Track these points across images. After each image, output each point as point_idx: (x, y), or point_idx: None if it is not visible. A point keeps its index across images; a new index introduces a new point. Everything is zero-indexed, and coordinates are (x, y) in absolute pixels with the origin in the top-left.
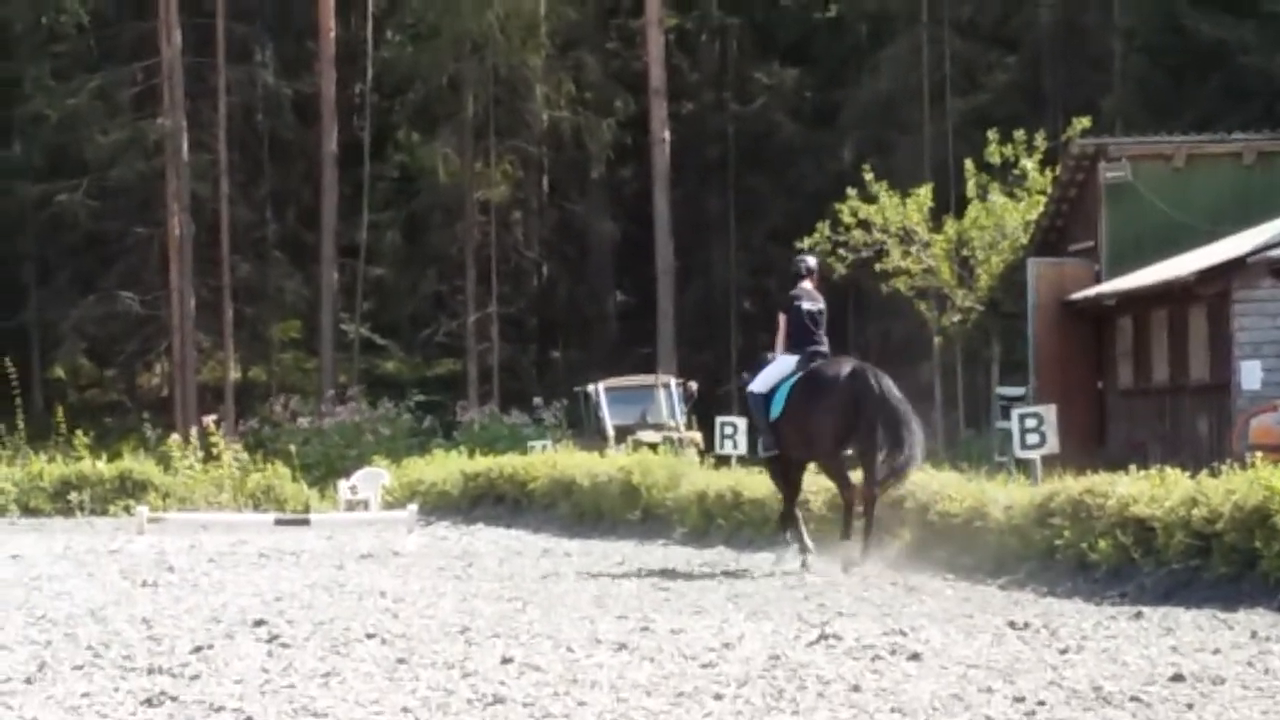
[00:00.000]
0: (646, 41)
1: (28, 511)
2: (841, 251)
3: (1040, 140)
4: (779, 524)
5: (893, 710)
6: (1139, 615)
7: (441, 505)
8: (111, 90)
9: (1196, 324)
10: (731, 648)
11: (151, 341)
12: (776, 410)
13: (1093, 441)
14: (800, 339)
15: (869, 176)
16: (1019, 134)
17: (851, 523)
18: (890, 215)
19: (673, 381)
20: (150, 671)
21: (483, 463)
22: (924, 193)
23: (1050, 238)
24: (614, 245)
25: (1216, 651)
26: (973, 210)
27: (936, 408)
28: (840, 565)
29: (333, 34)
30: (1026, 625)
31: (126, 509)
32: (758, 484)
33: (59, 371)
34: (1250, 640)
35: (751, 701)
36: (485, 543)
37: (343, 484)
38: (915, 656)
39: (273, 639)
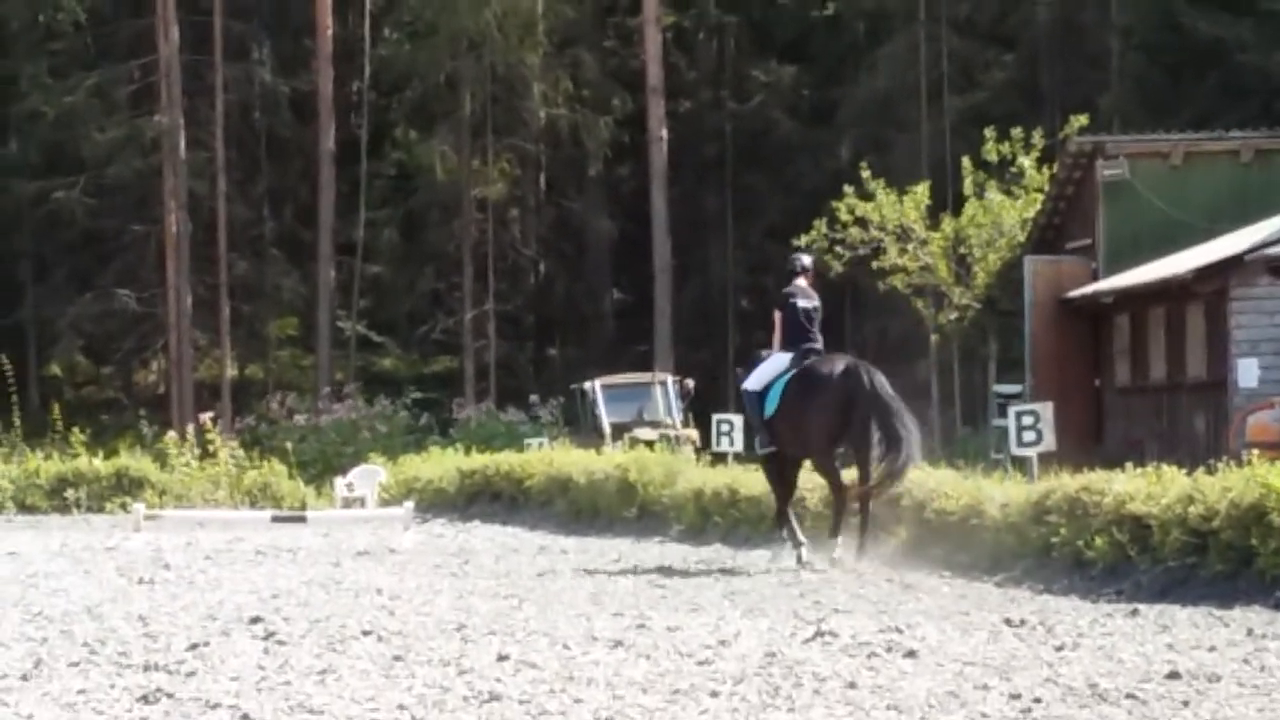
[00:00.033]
0: (644, 39)
1: (24, 508)
2: (839, 249)
3: (1038, 138)
4: (775, 522)
5: (889, 707)
6: (1135, 613)
7: (438, 502)
8: (108, 88)
9: (1194, 322)
10: (728, 645)
11: (148, 339)
12: (771, 408)
13: (1090, 439)
14: (795, 337)
15: (866, 174)
16: (1016, 132)
17: (841, 520)
18: (887, 213)
19: (669, 379)
20: (146, 668)
21: (479, 460)
22: (921, 190)
23: (1048, 235)
24: (611, 243)
25: (1212, 649)
26: (970, 208)
27: (933, 405)
28: (827, 562)
29: (330, 32)
30: (1023, 622)
31: (123, 506)
32: (754, 481)
33: (55, 369)
34: (1246, 638)
35: (747, 699)
36: (482, 540)
37: (339, 481)
38: (911, 654)
39: (269, 636)
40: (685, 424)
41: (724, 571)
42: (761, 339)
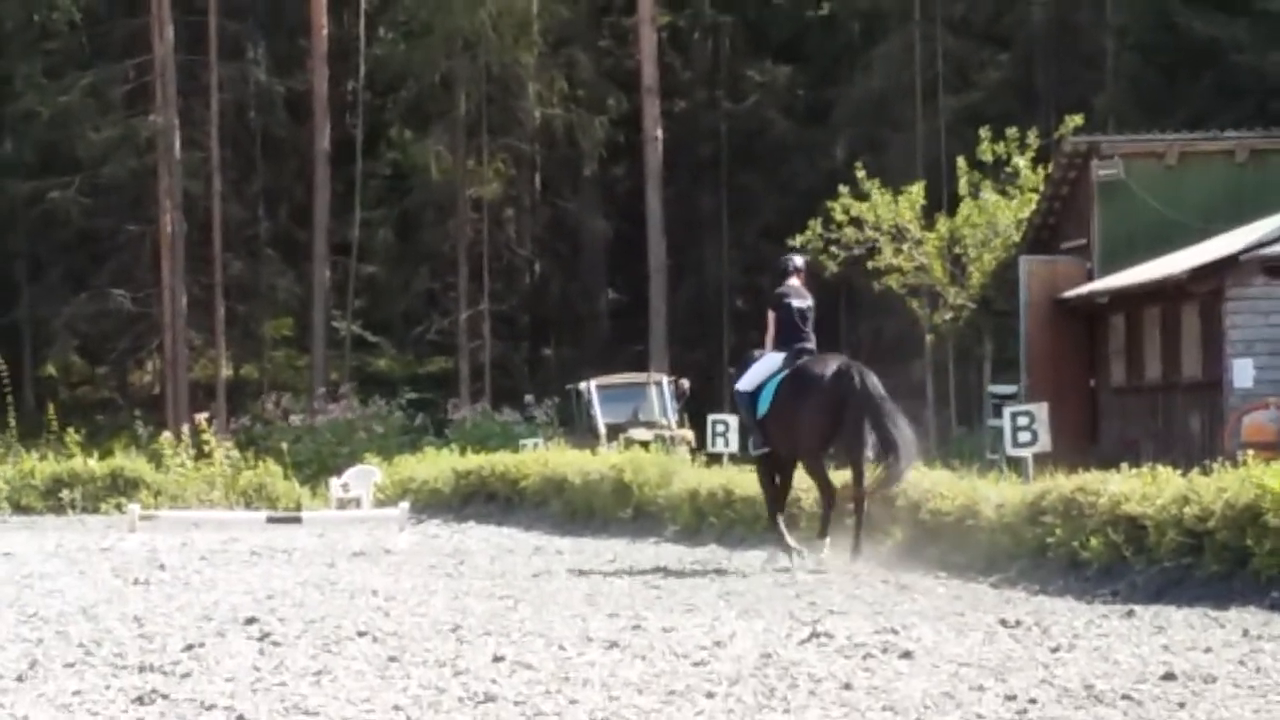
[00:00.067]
0: (639, 39)
1: (19, 509)
2: (834, 249)
3: (1033, 138)
4: (768, 523)
5: (884, 708)
6: (1131, 613)
7: (433, 503)
8: (103, 87)
9: (1189, 322)
10: (723, 646)
11: (143, 339)
12: (763, 408)
13: (1085, 439)
14: (788, 336)
15: (861, 174)
16: (1011, 132)
17: (829, 522)
18: (882, 213)
19: (665, 379)
20: (141, 669)
21: (474, 460)
22: (916, 190)
23: (1042, 235)
24: (606, 243)
25: (1208, 650)
26: (965, 208)
27: (928, 405)
28: (814, 562)
29: (325, 31)
30: (1018, 623)
31: (118, 507)
32: (749, 482)
33: (50, 369)
34: (1242, 638)
35: (743, 700)
36: (477, 541)
37: (334, 482)
38: (907, 654)
39: (264, 637)
40: (680, 424)
41: (719, 572)
42: (756, 339)
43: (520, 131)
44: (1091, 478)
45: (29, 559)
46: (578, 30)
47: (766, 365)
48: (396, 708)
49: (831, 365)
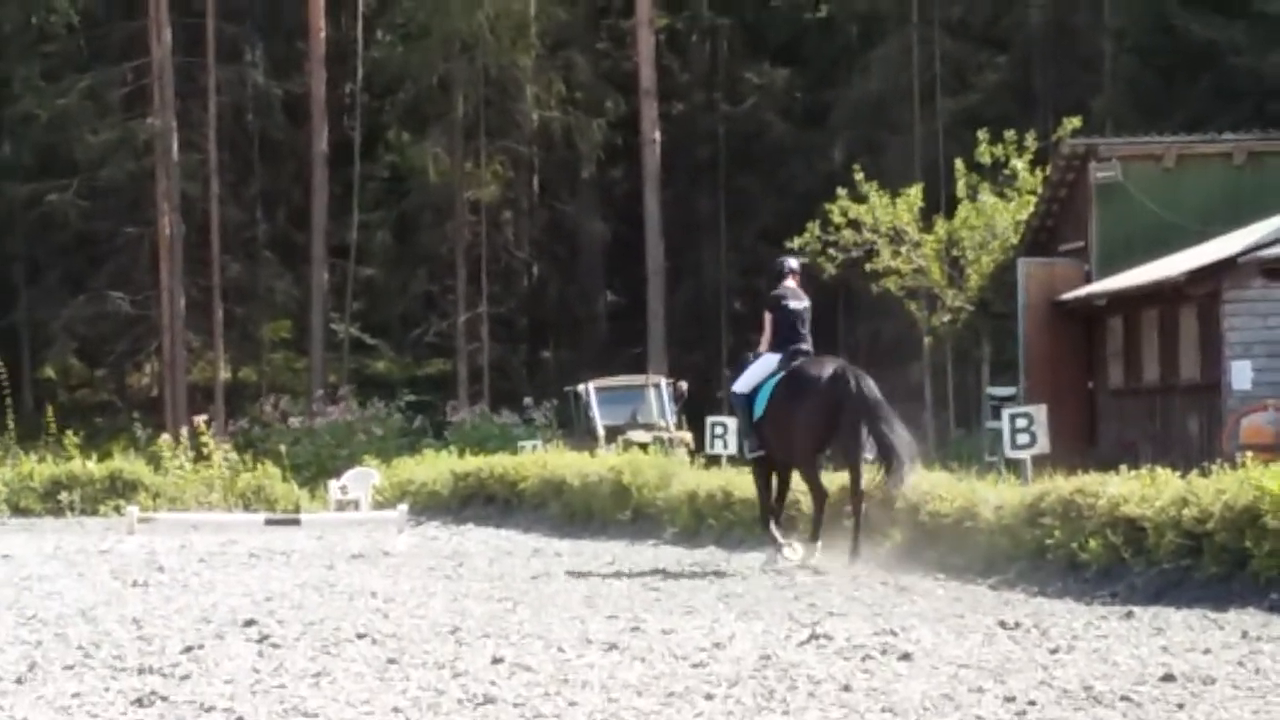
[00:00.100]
0: (637, 42)
1: (18, 511)
2: (831, 251)
3: (1031, 140)
4: (761, 524)
5: (883, 710)
6: (1130, 615)
7: (432, 505)
8: (101, 90)
9: (1187, 324)
10: (722, 647)
11: (142, 341)
12: (759, 410)
13: (1083, 441)
14: (785, 338)
15: (859, 176)
16: (1009, 134)
17: (820, 525)
18: (880, 215)
19: (663, 381)
20: (141, 671)
21: (473, 463)
22: (914, 193)
23: (1040, 238)
24: (604, 245)
25: (1207, 651)
26: (963, 210)
27: (927, 408)
28: (801, 563)
29: (323, 34)
30: (1017, 625)
31: (117, 509)
32: (748, 484)
33: (49, 371)
34: (1241, 640)
35: (742, 701)
36: (475, 543)
37: (333, 484)
38: (906, 656)
39: (263, 639)
40: (679, 426)
41: (718, 574)
42: (754, 341)
43: (518, 134)
44: (1090, 480)
45: (28, 561)
46: (575, 32)
47: (762, 367)
48: (396, 710)
49: (827, 368)
